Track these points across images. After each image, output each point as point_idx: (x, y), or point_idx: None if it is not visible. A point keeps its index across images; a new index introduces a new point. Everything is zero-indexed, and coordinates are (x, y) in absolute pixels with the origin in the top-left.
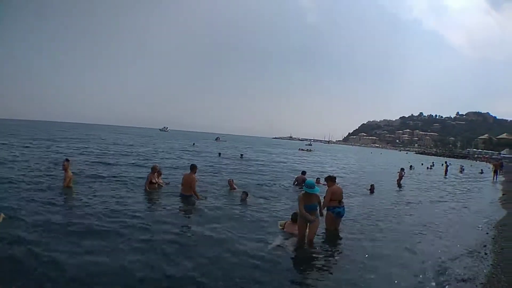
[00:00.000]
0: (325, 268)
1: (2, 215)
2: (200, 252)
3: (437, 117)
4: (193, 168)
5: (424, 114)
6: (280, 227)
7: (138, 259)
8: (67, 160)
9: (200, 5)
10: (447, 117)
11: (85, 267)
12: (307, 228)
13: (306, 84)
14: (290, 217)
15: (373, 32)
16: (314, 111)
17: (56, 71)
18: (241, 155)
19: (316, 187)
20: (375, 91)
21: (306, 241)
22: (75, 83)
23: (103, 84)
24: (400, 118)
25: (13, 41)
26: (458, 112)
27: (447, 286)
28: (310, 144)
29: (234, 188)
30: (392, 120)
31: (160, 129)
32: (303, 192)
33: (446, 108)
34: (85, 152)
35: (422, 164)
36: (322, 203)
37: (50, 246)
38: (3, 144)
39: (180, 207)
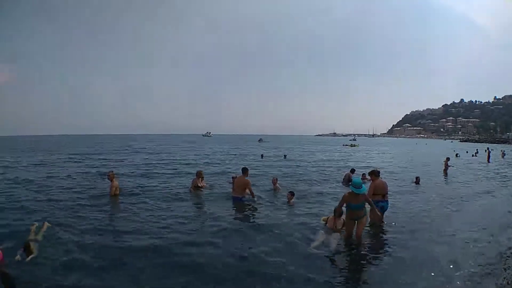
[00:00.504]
0: (367, 264)
1: (47, 223)
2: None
3: (477, 102)
4: (245, 171)
5: (464, 100)
6: (323, 222)
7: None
8: (111, 171)
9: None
10: (486, 102)
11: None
12: (355, 225)
13: (346, 80)
14: (333, 212)
15: (406, 19)
16: (356, 106)
17: (91, 82)
18: (285, 155)
19: (363, 186)
20: (416, 80)
21: (354, 237)
22: (115, 92)
23: (145, 93)
24: (443, 106)
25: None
26: (495, 97)
27: None
28: (354, 139)
29: (278, 188)
30: (435, 109)
31: (203, 135)
32: (349, 191)
33: (483, 93)
34: (129, 163)
35: (467, 152)
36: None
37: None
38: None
39: (233, 207)
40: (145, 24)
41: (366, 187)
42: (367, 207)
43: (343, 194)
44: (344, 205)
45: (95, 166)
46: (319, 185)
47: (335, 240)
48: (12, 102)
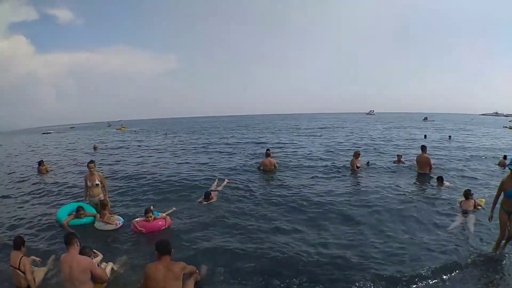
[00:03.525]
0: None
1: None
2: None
3: None
4: (423, 148)
5: None
6: (458, 204)
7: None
8: (268, 149)
9: None
10: None
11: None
12: (508, 221)
13: None
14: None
15: None
16: None
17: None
18: (449, 136)
19: None
20: None
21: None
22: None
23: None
24: None
25: None
26: None
27: None
28: None
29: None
30: None
31: (366, 113)
32: (508, 174)
33: None
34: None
35: None
36: None
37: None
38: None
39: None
40: None
41: None
42: None
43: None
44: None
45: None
46: (471, 170)
47: (471, 222)
48: (177, 86)
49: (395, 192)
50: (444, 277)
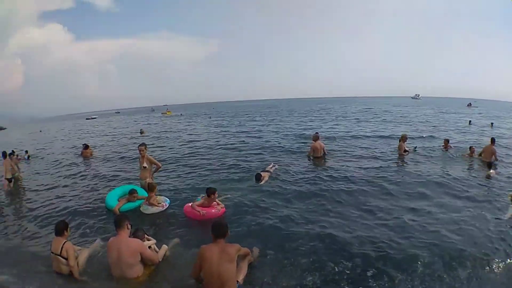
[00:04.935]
0: None
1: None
2: None
3: None
4: (493, 140)
5: None
6: (509, 197)
7: None
8: (316, 133)
9: None
10: None
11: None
12: None
13: None
14: None
15: None
16: None
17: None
18: (491, 123)
19: None
20: None
21: None
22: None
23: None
24: None
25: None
26: None
27: None
28: None
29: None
30: None
31: (412, 97)
32: None
33: None
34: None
35: None
36: None
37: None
38: None
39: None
40: None
41: None
42: None
43: None
44: None
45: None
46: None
47: None
48: (220, 70)
49: (448, 177)
50: None
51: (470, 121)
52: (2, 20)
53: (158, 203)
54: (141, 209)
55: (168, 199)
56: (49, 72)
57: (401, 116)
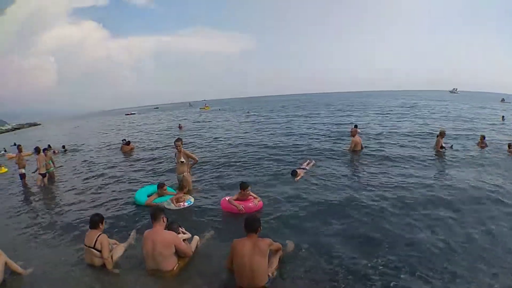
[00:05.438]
0: None
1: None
2: None
3: None
4: None
5: None
6: None
7: None
8: (355, 126)
9: None
10: None
11: None
12: None
13: None
14: None
15: None
16: None
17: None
18: (503, 117)
19: None
20: None
21: None
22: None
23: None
24: None
25: None
26: None
27: None
28: None
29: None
30: None
31: (450, 91)
32: None
33: None
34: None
35: None
36: None
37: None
38: None
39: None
40: None
41: None
42: None
43: None
44: None
45: None
46: None
47: None
48: (256, 65)
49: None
50: None
51: (503, 117)
52: (34, 19)
53: (178, 202)
54: (165, 204)
55: (191, 200)
56: (86, 69)
57: (438, 111)
